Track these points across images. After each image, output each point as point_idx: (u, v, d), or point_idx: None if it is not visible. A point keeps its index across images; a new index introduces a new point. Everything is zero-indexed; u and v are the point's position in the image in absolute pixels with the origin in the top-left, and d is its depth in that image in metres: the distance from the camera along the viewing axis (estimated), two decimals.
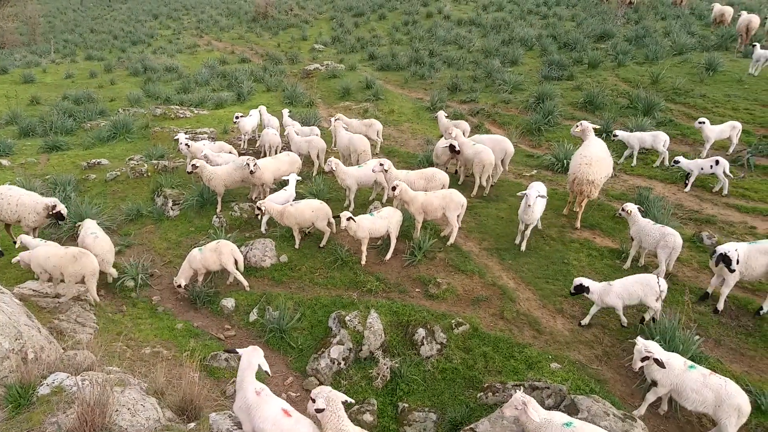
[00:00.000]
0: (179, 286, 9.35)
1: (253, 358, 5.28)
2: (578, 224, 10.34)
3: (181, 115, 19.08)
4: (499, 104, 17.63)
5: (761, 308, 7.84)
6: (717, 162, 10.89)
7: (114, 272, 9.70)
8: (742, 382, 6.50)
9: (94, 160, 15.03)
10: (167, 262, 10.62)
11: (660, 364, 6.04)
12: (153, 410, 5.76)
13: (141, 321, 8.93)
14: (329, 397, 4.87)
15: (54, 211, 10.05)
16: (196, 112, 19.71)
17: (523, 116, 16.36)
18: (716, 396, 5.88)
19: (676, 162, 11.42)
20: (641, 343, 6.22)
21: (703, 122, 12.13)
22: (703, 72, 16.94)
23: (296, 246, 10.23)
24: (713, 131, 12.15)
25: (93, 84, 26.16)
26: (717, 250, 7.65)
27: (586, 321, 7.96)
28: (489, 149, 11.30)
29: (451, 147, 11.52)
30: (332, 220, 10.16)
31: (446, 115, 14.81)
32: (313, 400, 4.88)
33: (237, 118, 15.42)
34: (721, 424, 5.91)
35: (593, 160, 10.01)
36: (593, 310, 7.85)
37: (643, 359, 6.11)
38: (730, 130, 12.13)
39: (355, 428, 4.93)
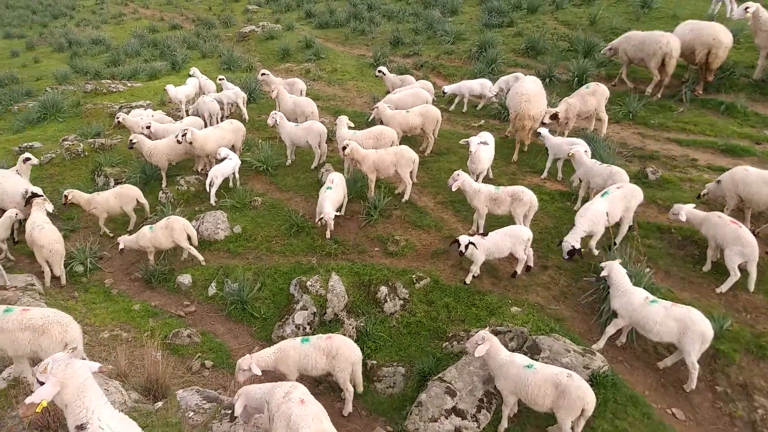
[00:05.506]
0: (121, 250, 9.24)
1: None
2: (517, 154, 10.99)
3: (114, 90, 18.14)
4: (442, 56, 17.47)
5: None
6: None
7: (62, 273, 9.23)
8: None
9: (26, 144, 14.19)
10: (116, 244, 10.26)
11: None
12: (117, 393, 5.64)
13: (95, 306, 8.65)
14: None
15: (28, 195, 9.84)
16: (129, 85, 18.78)
17: (467, 66, 16.29)
18: (680, 325, 6.07)
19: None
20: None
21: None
22: (638, 10, 17.15)
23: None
24: None
25: (15, 64, 24.53)
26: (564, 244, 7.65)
27: (469, 279, 7.99)
28: (435, 108, 11.26)
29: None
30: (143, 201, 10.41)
31: (390, 69, 14.62)
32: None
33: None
34: (685, 351, 6.11)
35: (531, 96, 10.55)
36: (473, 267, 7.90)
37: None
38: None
39: None
